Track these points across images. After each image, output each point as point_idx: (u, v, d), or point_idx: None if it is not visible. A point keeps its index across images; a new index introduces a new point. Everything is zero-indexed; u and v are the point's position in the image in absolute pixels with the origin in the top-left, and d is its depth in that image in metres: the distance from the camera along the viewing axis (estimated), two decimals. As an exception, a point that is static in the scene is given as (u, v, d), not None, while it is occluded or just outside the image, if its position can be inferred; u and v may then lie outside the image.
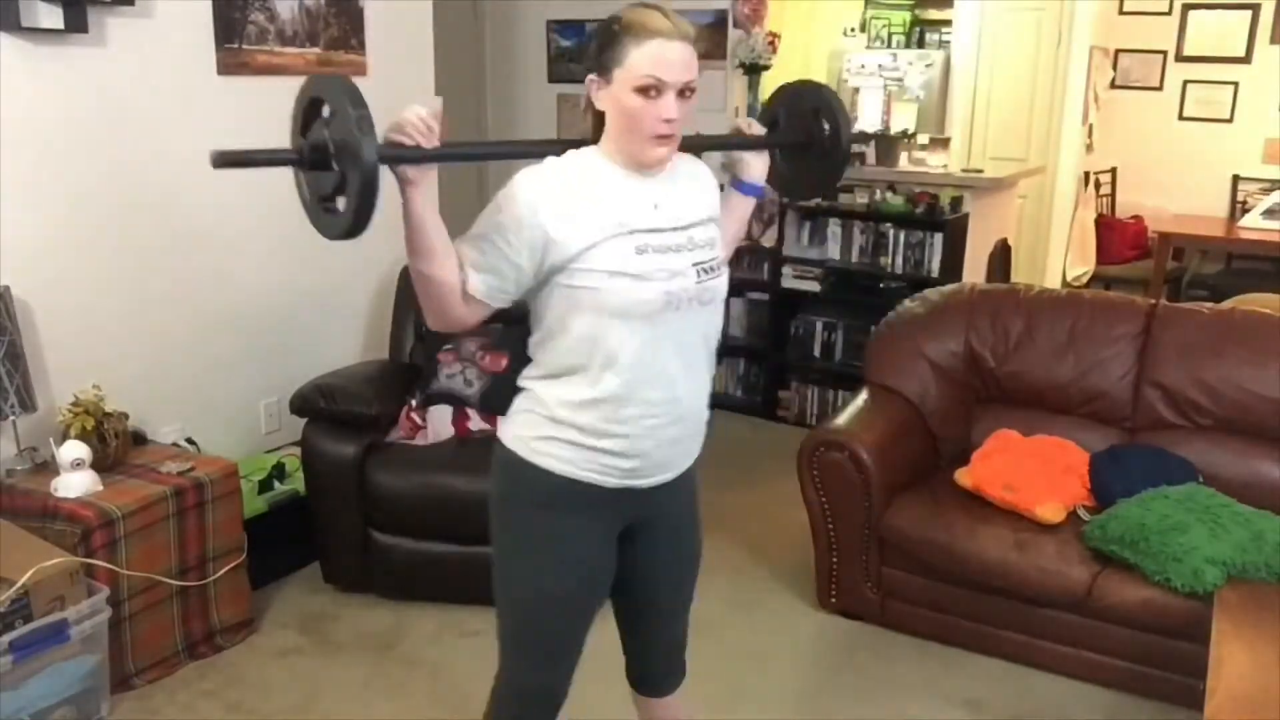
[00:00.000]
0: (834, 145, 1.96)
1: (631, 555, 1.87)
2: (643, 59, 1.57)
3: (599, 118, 1.68)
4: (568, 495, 1.72)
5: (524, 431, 1.75)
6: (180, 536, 2.78)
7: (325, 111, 1.47)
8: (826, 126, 1.96)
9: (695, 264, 1.69)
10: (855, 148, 4.99)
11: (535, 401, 1.73)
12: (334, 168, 1.45)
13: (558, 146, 1.71)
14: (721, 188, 1.94)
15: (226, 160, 1.43)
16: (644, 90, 1.58)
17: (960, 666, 2.93)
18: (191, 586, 2.83)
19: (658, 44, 1.57)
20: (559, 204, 1.60)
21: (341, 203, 1.46)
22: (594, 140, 1.70)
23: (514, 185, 1.62)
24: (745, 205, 1.99)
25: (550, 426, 1.70)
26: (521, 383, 1.78)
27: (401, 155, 1.47)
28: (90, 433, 2.76)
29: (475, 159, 1.75)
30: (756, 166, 1.94)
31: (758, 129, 1.94)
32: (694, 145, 1.89)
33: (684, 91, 1.61)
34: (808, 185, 2.14)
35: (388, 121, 1.50)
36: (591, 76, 1.65)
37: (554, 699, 1.88)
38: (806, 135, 1.98)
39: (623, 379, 1.65)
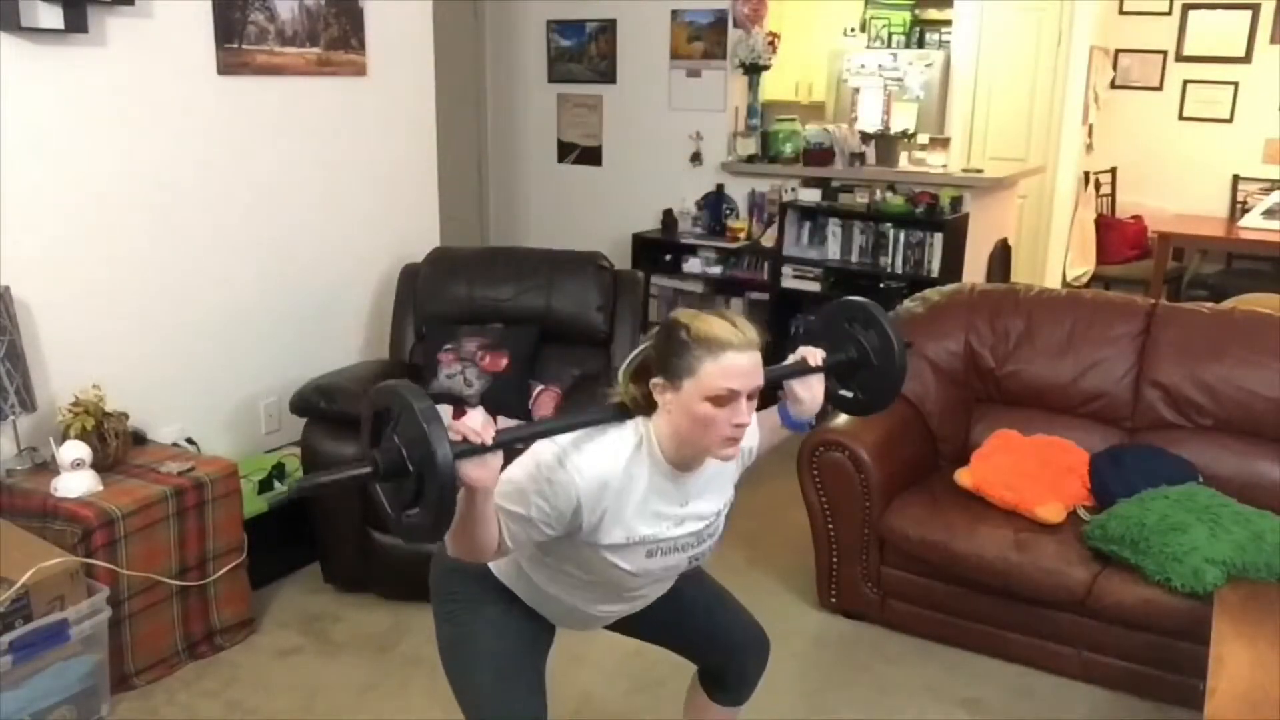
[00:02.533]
0: (886, 352, 1.93)
1: (630, 623, 1.96)
2: (717, 372, 1.57)
3: (647, 394, 1.65)
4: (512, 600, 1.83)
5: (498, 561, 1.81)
6: (180, 536, 2.78)
7: (393, 420, 1.46)
8: (876, 336, 1.94)
9: (692, 557, 1.78)
10: (855, 148, 5.01)
11: (520, 553, 1.75)
12: (408, 476, 1.43)
13: (609, 414, 1.69)
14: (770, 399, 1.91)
15: (307, 491, 1.43)
16: (718, 402, 1.58)
17: (960, 666, 2.93)
18: (191, 586, 2.83)
19: (731, 356, 1.57)
20: (597, 507, 1.63)
21: (420, 507, 1.45)
22: (645, 406, 1.67)
23: (563, 479, 1.59)
24: (785, 434, 1.95)
25: (520, 574, 1.80)
26: None
27: (471, 449, 1.45)
28: (90, 433, 2.76)
29: (540, 436, 1.75)
30: (809, 405, 1.88)
31: (818, 358, 1.87)
32: None
33: (751, 394, 1.61)
34: (865, 403, 2.04)
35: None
36: (656, 380, 1.63)
37: None
38: (857, 350, 1.95)
39: (595, 605, 1.81)
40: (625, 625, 1.98)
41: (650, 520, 1.67)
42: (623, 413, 1.69)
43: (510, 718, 1.79)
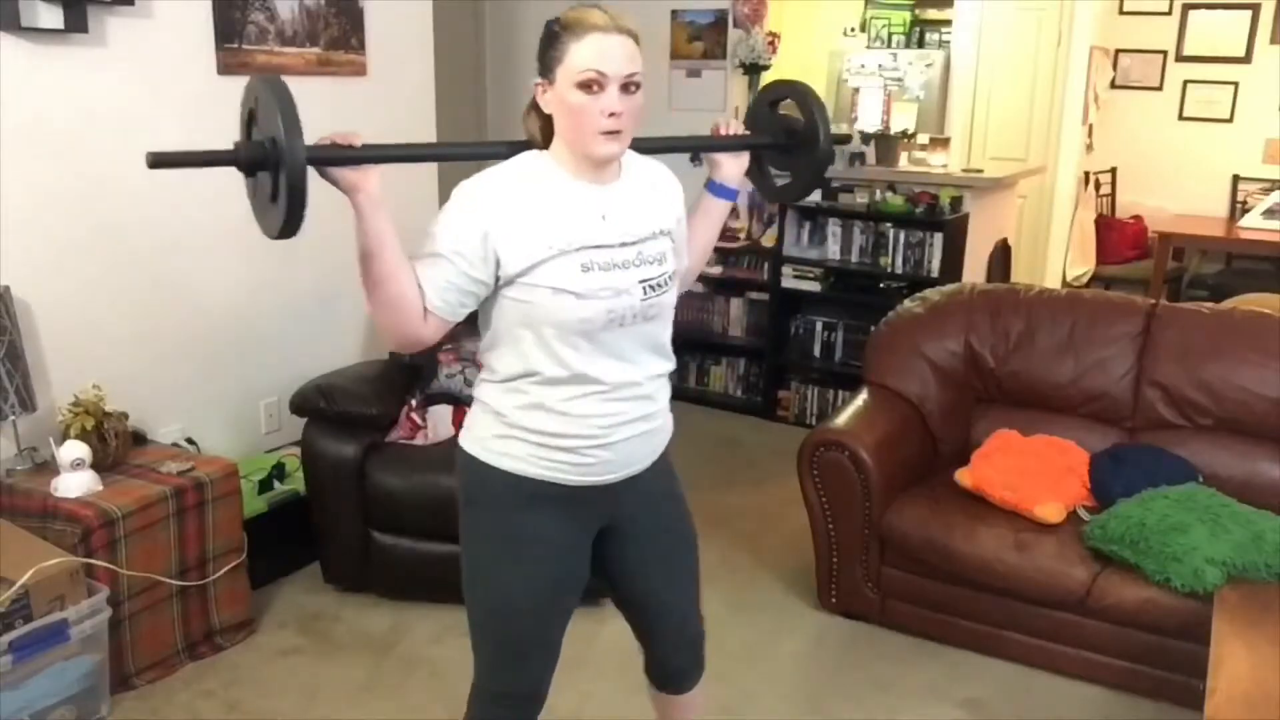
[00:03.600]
0: (812, 136, 1.91)
1: (617, 553, 1.89)
2: (582, 53, 1.57)
3: (547, 122, 1.67)
4: (528, 494, 1.73)
5: (481, 433, 1.77)
6: (180, 536, 2.78)
7: (259, 113, 1.48)
8: (802, 118, 1.92)
9: (642, 280, 1.68)
10: (856, 147, 5.00)
11: (489, 406, 1.75)
12: (268, 168, 1.45)
13: (500, 148, 1.70)
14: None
15: (162, 161, 1.42)
16: (586, 85, 1.57)
17: (960, 666, 2.93)
18: (191, 586, 2.83)
19: (596, 37, 1.57)
20: (506, 218, 1.59)
21: (277, 198, 1.46)
22: (545, 144, 1.69)
23: (462, 199, 1.61)
24: (719, 208, 1.95)
25: (504, 428, 1.73)
26: (475, 390, 1.80)
27: (330, 155, 1.47)
28: (90, 433, 2.76)
29: (410, 159, 1.77)
30: (729, 167, 1.90)
31: (736, 127, 1.89)
32: (666, 146, 1.87)
33: (628, 86, 1.59)
34: (795, 186, 2.05)
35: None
36: (537, 81, 1.65)
37: (529, 704, 1.86)
38: (785, 134, 1.94)
39: (567, 387, 1.68)
40: (610, 550, 1.88)
41: (570, 225, 1.62)
42: (518, 146, 1.69)
43: (510, 687, 1.80)
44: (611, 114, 1.58)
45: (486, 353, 1.74)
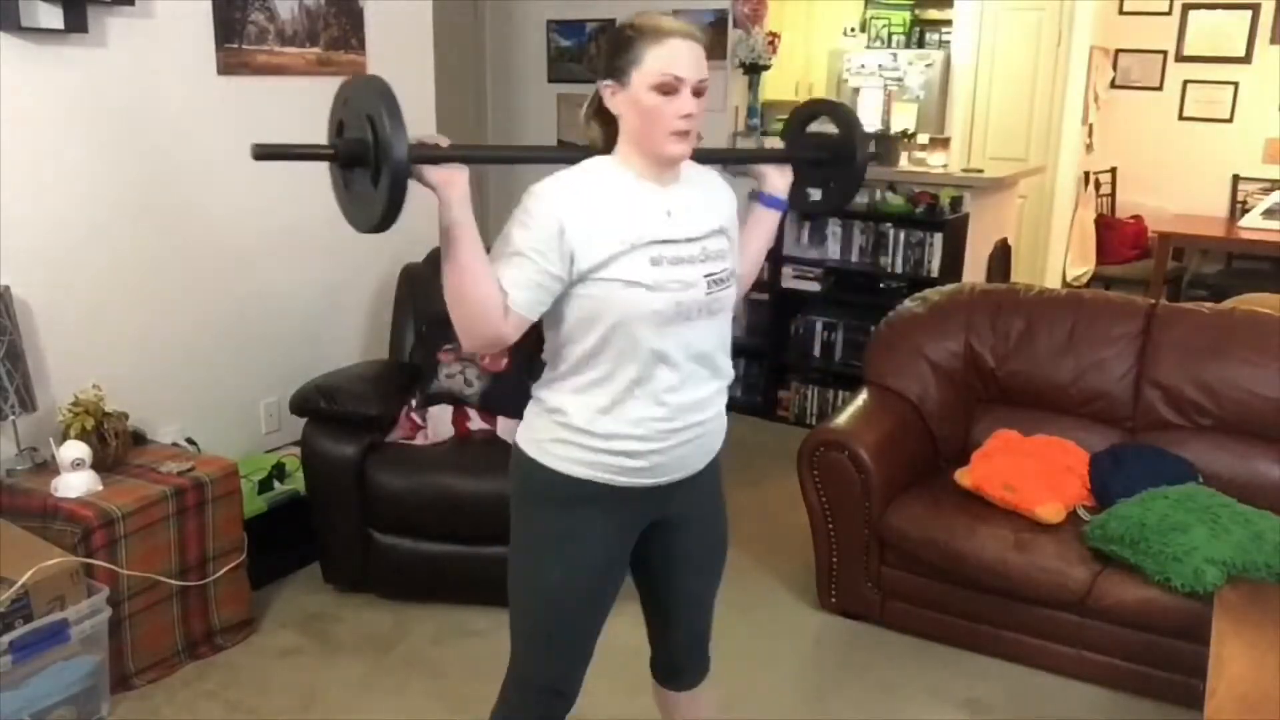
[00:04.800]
0: (849, 153, 2.02)
1: (659, 546, 1.93)
2: (660, 58, 1.62)
3: (608, 126, 1.72)
4: (578, 493, 1.76)
5: (537, 435, 1.80)
6: (180, 536, 2.78)
7: (358, 112, 1.53)
8: (840, 136, 2.03)
9: (706, 275, 1.73)
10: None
11: (548, 406, 1.78)
12: (367, 164, 1.51)
13: (575, 153, 1.76)
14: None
15: (265, 153, 1.50)
16: (662, 88, 1.62)
17: (960, 666, 2.93)
18: (191, 586, 2.83)
19: (674, 42, 1.63)
20: (579, 216, 1.64)
21: (373, 197, 1.53)
22: (605, 149, 1.74)
23: (537, 200, 1.65)
24: (769, 219, 2.02)
25: (562, 430, 1.75)
26: (535, 390, 1.82)
27: (428, 154, 1.53)
28: (90, 433, 2.76)
29: (496, 161, 1.89)
30: (775, 180, 1.99)
31: (774, 143, 1.99)
32: (715, 157, 1.94)
33: (699, 90, 1.66)
34: (831, 199, 2.16)
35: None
36: (606, 83, 1.68)
37: (564, 698, 1.90)
38: (825, 149, 2.04)
39: (633, 385, 1.71)
40: (653, 544, 1.93)
41: (639, 221, 1.68)
42: (590, 150, 1.75)
43: (543, 679, 1.86)
44: (685, 115, 1.64)
45: (551, 354, 1.77)
